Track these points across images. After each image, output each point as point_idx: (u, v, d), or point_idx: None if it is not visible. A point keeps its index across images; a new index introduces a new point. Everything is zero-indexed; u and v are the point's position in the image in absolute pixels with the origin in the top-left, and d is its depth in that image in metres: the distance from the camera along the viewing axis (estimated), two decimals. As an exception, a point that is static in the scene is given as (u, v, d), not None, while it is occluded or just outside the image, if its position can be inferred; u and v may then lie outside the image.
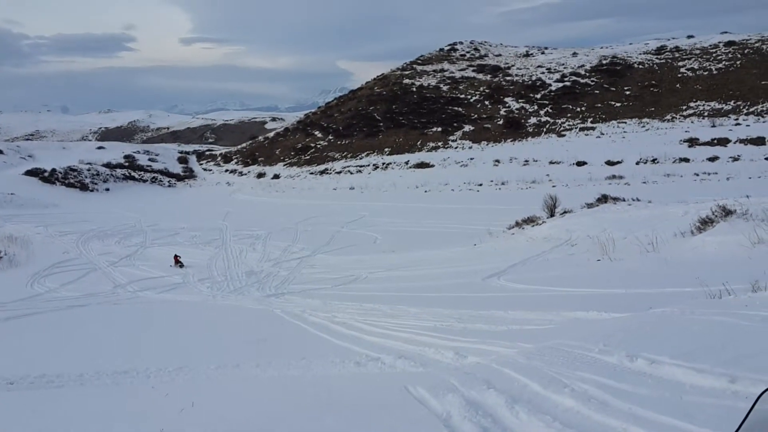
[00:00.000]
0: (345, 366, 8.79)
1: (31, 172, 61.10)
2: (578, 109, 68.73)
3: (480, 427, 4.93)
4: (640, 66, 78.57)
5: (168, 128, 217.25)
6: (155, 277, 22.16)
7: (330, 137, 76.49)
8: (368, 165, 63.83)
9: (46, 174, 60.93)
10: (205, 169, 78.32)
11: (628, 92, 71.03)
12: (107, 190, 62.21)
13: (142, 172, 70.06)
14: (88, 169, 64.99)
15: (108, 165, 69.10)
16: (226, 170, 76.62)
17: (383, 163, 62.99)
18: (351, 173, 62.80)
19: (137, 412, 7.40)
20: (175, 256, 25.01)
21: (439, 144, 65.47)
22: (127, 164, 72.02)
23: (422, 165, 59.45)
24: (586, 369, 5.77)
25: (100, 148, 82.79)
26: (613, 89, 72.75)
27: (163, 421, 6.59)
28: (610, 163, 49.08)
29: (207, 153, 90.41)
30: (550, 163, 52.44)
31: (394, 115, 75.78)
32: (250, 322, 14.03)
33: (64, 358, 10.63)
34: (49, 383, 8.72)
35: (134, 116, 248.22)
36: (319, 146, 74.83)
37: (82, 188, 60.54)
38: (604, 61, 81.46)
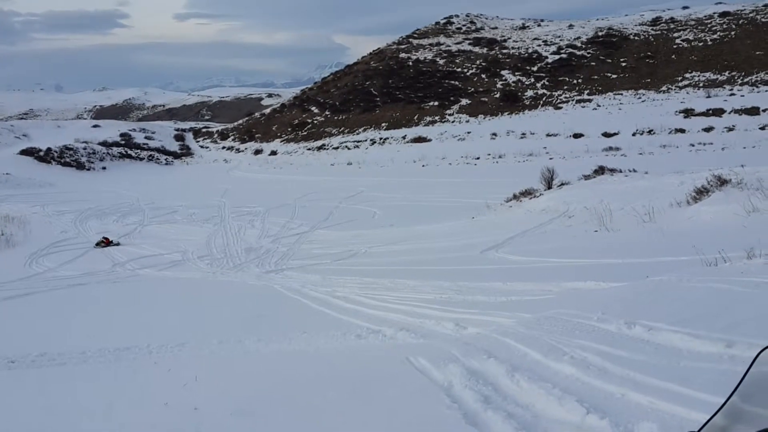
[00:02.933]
0: (346, 339, 8.87)
1: (25, 152, 60.82)
2: (575, 82, 68.42)
3: (481, 395, 5.00)
4: (636, 37, 78.06)
5: (164, 106, 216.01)
6: (154, 255, 22.19)
7: (327, 113, 76.16)
8: (365, 140, 63.65)
9: (41, 153, 60.68)
10: (201, 147, 78.04)
11: (624, 64, 70.67)
12: (104, 168, 62.04)
13: (138, 150, 69.78)
14: (84, 148, 64.74)
15: (104, 143, 68.78)
16: (223, 147, 76.36)
17: (380, 138, 62.82)
18: (348, 149, 62.65)
19: (140, 387, 7.47)
20: (104, 238, 24.86)
21: (436, 118, 65.23)
22: (123, 142, 71.71)
23: (419, 139, 59.30)
24: (585, 337, 5.84)
25: (95, 126, 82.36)
26: (609, 61, 72.35)
27: (167, 395, 6.65)
28: (606, 134, 49.01)
29: (203, 130, 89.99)
30: (547, 135, 52.33)
31: (390, 89, 75.38)
32: (251, 298, 14.10)
33: (66, 336, 10.71)
34: (51, 361, 8.77)
35: (129, 94, 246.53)
36: (315, 122, 74.53)
37: (78, 167, 60.35)
38: (600, 33, 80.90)
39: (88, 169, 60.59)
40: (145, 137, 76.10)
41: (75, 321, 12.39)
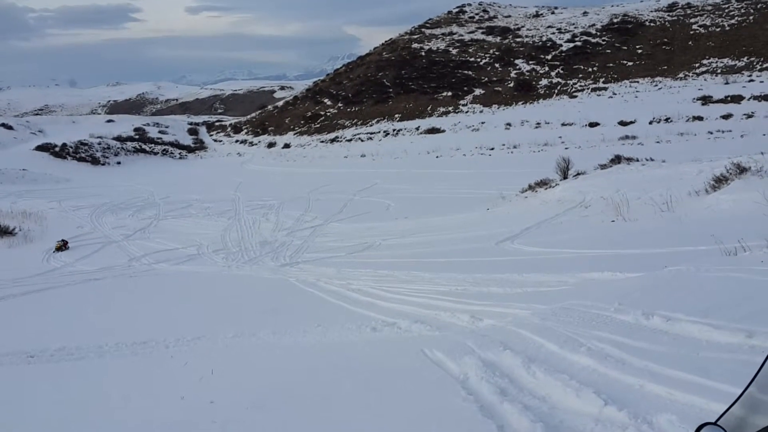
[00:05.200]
0: (361, 332, 8.86)
1: (41, 147, 61.23)
2: (590, 70, 67.92)
3: (497, 387, 4.97)
4: (652, 24, 77.35)
5: (177, 100, 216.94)
6: (170, 249, 22.30)
7: (339, 105, 76.11)
8: (379, 132, 63.56)
9: (56, 149, 61.07)
10: (215, 140, 78.27)
11: (640, 51, 70.06)
12: (119, 163, 62.38)
13: (152, 145, 70.09)
14: (99, 143, 65.12)
15: (118, 138, 69.13)
16: (237, 140, 76.55)
17: (394, 130, 62.69)
18: (362, 140, 62.59)
19: (157, 381, 7.50)
20: (62, 242, 23.37)
21: (450, 109, 65.01)
22: (137, 137, 72.04)
23: (433, 130, 59.13)
24: (602, 328, 5.79)
25: (109, 121, 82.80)
26: (625, 48, 71.75)
27: (183, 388, 6.69)
28: (623, 123, 48.61)
29: (216, 124, 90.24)
30: (563, 125, 52.00)
31: (403, 80, 75.19)
32: (266, 292, 14.14)
33: (83, 330, 10.76)
34: (69, 355, 8.83)
35: (143, 88, 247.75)
36: (328, 114, 74.52)
37: (94, 162, 60.73)
38: (615, 20, 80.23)
39: (103, 164, 60.95)
40: (159, 131, 76.41)
41: (92, 316, 12.46)
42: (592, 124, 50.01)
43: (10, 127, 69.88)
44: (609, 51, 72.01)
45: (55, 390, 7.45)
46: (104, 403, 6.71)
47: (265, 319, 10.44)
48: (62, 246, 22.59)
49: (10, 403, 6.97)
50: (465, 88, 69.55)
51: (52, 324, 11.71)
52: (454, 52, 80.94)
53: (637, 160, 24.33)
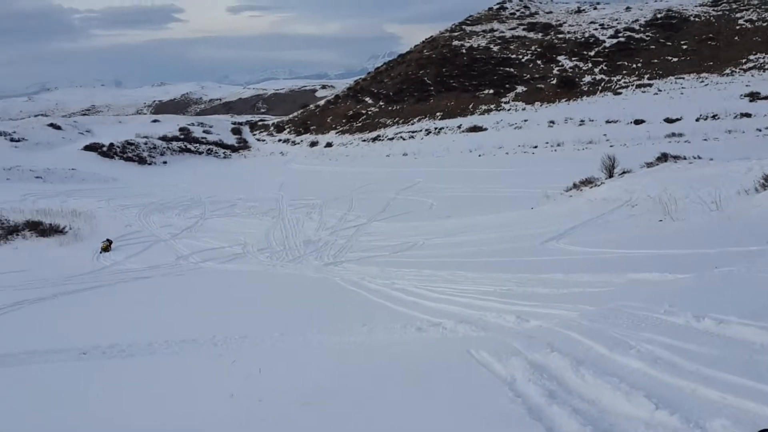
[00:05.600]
0: (406, 332, 8.90)
1: (89, 147, 62.57)
2: (634, 66, 66.83)
3: (545, 390, 4.96)
4: (697, 19, 75.74)
5: (220, 99, 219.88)
6: (216, 248, 22.62)
7: (381, 103, 76.25)
8: (420, 130, 63.49)
9: (104, 149, 62.36)
10: (258, 140, 79.10)
11: (684, 46, 68.69)
12: (164, 162, 63.47)
13: (197, 144, 71.14)
14: (145, 143, 66.36)
15: (164, 138, 70.32)
16: (279, 140, 77.25)
17: (435, 128, 62.56)
18: (403, 139, 62.59)
19: (206, 378, 7.65)
20: (107, 242, 23.34)
21: (492, 106, 64.62)
22: (182, 137, 73.19)
23: (475, 128, 58.84)
24: (652, 330, 5.73)
25: (155, 121, 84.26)
26: (669, 44, 70.41)
27: (232, 386, 6.81)
28: (669, 120, 47.69)
29: (259, 123, 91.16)
30: (607, 122, 51.27)
31: (444, 78, 74.98)
32: (311, 291, 14.26)
33: (133, 328, 11.00)
34: (120, 352, 9.05)
35: (187, 88, 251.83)
36: (370, 113, 74.71)
37: (140, 162, 61.90)
38: (658, 15, 78.75)
39: (150, 164, 62.07)
40: (203, 131, 77.52)
41: (141, 313, 12.72)
42: (638, 122, 49.19)
43: (58, 127, 71.59)
44: (653, 47, 70.75)
45: (107, 387, 7.65)
46: (155, 400, 6.87)
47: (311, 318, 10.56)
48: (108, 246, 22.85)
49: (63, 400, 7.18)
50: (507, 86, 69.05)
51: (102, 321, 12.00)
52: (495, 49, 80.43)
53: (685, 158, 23.87)
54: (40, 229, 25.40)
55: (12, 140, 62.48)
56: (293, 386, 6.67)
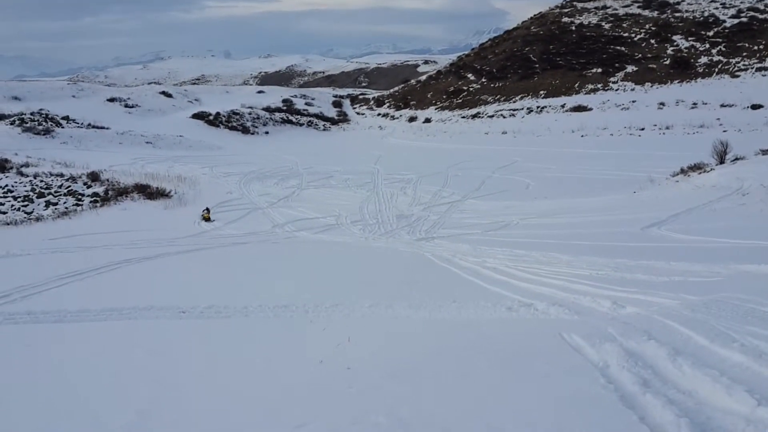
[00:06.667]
0: (496, 310, 8.79)
1: (197, 116, 64.86)
2: (755, 48, 62.93)
3: (639, 378, 4.78)
4: (831, -2, 70.46)
5: (323, 72, 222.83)
6: (310, 218, 23.05)
7: (483, 80, 75.21)
8: (522, 108, 62.29)
9: (210, 117, 64.48)
10: (357, 113, 79.78)
11: (815, 27, 64.08)
12: (266, 133, 65.02)
13: (298, 116, 72.48)
14: (249, 113, 68.15)
15: (267, 109, 72.01)
16: (378, 114, 77.63)
17: (537, 107, 61.22)
18: (504, 117, 61.61)
19: (297, 343, 7.82)
20: (206, 211, 23.31)
21: (599, 86, 62.52)
22: (285, 108, 74.73)
23: (579, 108, 57.18)
24: (758, 324, 5.43)
25: (260, 92, 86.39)
26: (798, 25, 65.89)
27: (321, 353, 6.92)
28: (790, 106, 44.86)
29: (360, 97, 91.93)
30: (721, 106, 48.70)
31: (550, 55, 73.09)
32: (401, 265, 14.31)
33: (229, 291, 11.35)
34: (216, 313, 9.38)
35: (292, 61, 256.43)
36: (471, 89, 73.86)
37: (244, 131, 63.65)
38: (788, -7, 73.74)
39: (252, 134, 63.73)
40: (305, 103, 78.85)
41: (238, 277, 13.12)
42: (755, 107, 46.45)
43: (169, 95, 74.55)
44: (779, 27, 66.36)
45: (203, 345, 7.96)
46: (248, 362, 7.08)
47: (401, 292, 10.59)
48: (208, 216, 22.93)
49: (161, 354, 7.52)
50: (616, 65, 66.57)
51: (201, 283, 12.45)
52: (606, 26, 77.59)
53: (806, 146, 22.40)
54: (147, 192, 26.63)
55: (126, 106, 65.57)
56: (381, 357, 6.71)
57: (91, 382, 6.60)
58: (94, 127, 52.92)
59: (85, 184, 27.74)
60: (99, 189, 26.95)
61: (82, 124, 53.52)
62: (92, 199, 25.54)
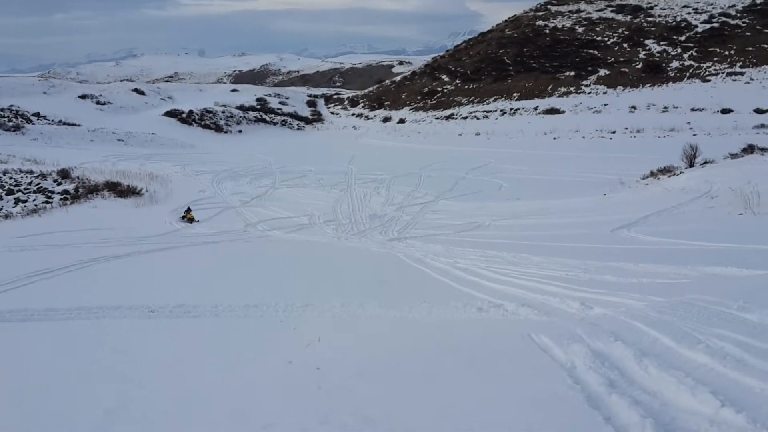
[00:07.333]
0: (466, 311, 8.81)
1: (170, 113, 64.36)
2: (726, 53, 63.90)
3: (606, 378, 4.82)
4: (800, 5, 71.77)
5: (298, 72, 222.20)
6: (283, 218, 22.94)
7: (457, 81, 75.49)
8: (495, 110, 62.65)
9: (183, 115, 64.01)
10: (332, 113, 79.64)
11: (783, 34, 65.21)
12: (240, 131, 64.67)
13: (272, 115, 72.18)
14: (223, 111, 67.74)
15: (241, 107, 71.63)
16: (353, 114, 77.55)
17: (511, 109, 61.62)
18: (477, 119, 61.91)
19: (267, 344, 7.77)
20: (186, 210, 22.87)
21: (571, 89, 63.09)
22: (258, 107, 74.38)
23: (552, 111, 57.67)
24: (724, 326, 5.49)
25: (233, 90, 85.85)
26: (767, 31, 67.03)
27: (291, 353, 6.89)
28: (759, 111, 45.58)
29: (335, 96, 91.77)
30: (692, 110, 49.44)
31: (524, 58, 73.58)
32: (374, 265, 14.29)
33: (200, 290, 11.26)
34: (186, 313, 9.30)
35: (266, 60, 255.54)
36: (445, 91, 74.10)
37: (217, 129, 63.25)
38: (758, 0, 74.99)
39: (226, 132, 63.34)
40: (279, 102, 78.54)
41: (209, 277, 13.02)
42: (725, 111, 47.22)
43: (142, 93, 73.83)
44: (749, 34, 67.44)
45: (173, 345, 7.88)
46: (217, 361, 7.03)
47: (372, 292, 10.57)
48: (192, 217, 22.42)
49: (130, 353, 7.44)
50: (589, 68, 67.22)
51: (171, 282, 12.32)
52: (580, 30, 78.32)
53: (772, 151, 22.81)
54: (118, 189, 26.31)
55: (98, 103, 64.85)
56: (350, 357, 6.71)
57: (59, 381, 6.53)
58: (65, 124, 52.27)
59: (55, 181, 27.35)
60: (69, 186, 26.57)
61: (53, 120, 52.83)
62: (62, 197, 25.17)
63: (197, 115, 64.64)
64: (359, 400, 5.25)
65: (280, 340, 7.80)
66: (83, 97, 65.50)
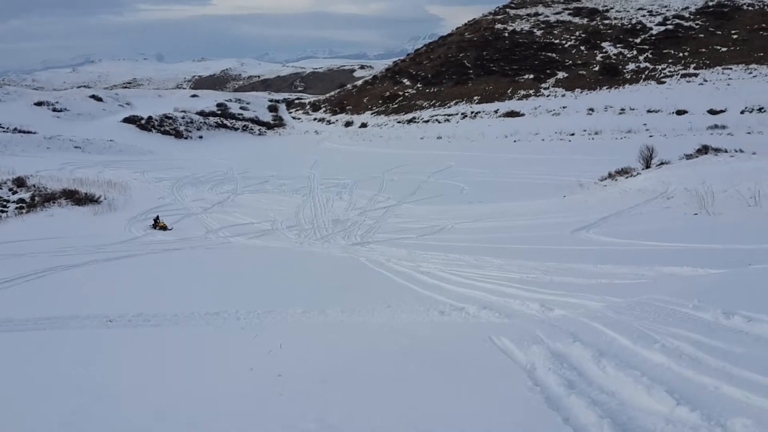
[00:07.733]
0: (429, 315, 8.85)
1: (128, 120, 63.43)
2: (680, 55, 65.27)
3: (565, 379, 4.87)
4: (750, 8, 73.60)
5: (259, 77, 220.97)
6: (245, 224, 22.78)
7: (418, 85, 75.80)
8: (456, 114, 63.04)
9: (142, 121, 63.15)
10: (294, 118, 79.33)
11: (735, 36, 66.82)
12: (200, 137, 64.02)
13: (233, 120, 71.64)
14: (183, 117, 67.00)
15: (201, 113, 70.94)
16: (315, 119, 77.35)
17: (472, 112, 62.07)
18: (439, 122, 62.23)
19: (228, 351, 7.69)
20: (156, 219, 22.62)
21: (531, 92, 63.82)
22: (219, 112, 73.77)
23: (512, 114, 58.25)
24: (679, 325, 5.59)
25: (193, 96, 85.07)
26: (719, 33, 68.55)
27: (252, 360, 6.82)
28: (712, 112, 46.66)
29: (296, 101, 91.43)
30: (648, 111, 50.36)
31: (484, 62, 74.21)
32: (336, 270, 14.28)
33: (160, 298, 11.12)
34: (145, 322, 9.17)
35: (226, 65, 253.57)
36: (407, 94, 74.34)
37: (177, 135, 62.53)
38: (710, 3, 76.68)
39: (186, 138, 62.67)
40: (240, 107, 78.01)
41: (169, 284, 12.86)
42: (680, 112, 48.23)
43: (99, 99, 72.64)
44: (702, 35, 69.00)
45: (132, 354, 7.74)
46: (177, 370, 6.92)
47: (335, 297, 10.55)
48: (164, 225, 22.07)
49: (88, 364, 7.28)
50: (548, 71, 68.08)
51: (131, 290, 12.14)
52: (538, 33, 79.28)
53: (726, 152, 23.35)
54: (76, 197, 25.84)
55: (54, 110, 63.61)
56: (313, 363, 6.66)
57: (14, 393, 6.35)
58: (20, 131, 51.14)
59: (10, 189, 26.75)
60: (25, 195, 26.03)
61: (7, 128, 51.63)
62: (18, 206, 24.64)
63: (156, 121, 63.82)
64: (322, 407, 5.21)
65: (241, 348, 7.72)
66: (39, 104, 64.18)
